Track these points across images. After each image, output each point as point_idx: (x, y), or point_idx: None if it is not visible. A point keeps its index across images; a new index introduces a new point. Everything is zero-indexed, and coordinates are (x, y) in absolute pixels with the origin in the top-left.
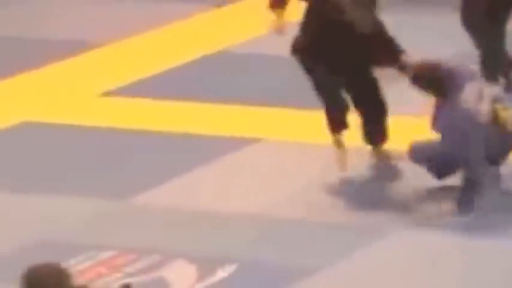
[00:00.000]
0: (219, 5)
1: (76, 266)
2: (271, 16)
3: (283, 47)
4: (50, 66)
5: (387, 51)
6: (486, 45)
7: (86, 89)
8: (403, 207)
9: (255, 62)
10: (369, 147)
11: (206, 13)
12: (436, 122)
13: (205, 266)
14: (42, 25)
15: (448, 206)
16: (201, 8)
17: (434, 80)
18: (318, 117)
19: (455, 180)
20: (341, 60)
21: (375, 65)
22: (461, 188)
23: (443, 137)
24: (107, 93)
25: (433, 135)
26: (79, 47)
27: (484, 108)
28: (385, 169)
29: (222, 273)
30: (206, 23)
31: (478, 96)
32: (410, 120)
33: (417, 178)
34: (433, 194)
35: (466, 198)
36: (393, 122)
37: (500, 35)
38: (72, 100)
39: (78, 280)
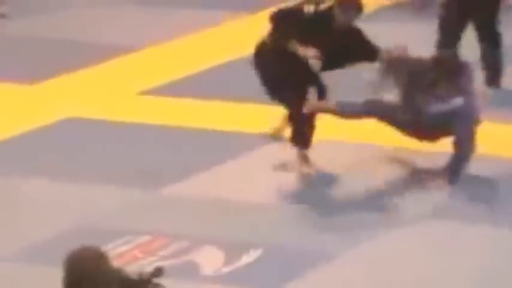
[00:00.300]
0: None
1: (114, 250)
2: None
3: None
4: (92, 67)
5: (365, 49)
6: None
7: (125, 88)
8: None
9: None
10: None
11: (236, 20)
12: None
13: (232, 251)
14: (86, 30)
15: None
16: (231, 15)
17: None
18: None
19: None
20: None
21: (353, 62)
22: (451, 160)
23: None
24: (144, 92)
25: None
26: (119, 50)
27: None
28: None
29: (247, 258)
30: (235, 29)
31: None
32: None
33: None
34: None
35: (455, 169)
36: None
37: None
38: (112, 98)
39: (115, 263)
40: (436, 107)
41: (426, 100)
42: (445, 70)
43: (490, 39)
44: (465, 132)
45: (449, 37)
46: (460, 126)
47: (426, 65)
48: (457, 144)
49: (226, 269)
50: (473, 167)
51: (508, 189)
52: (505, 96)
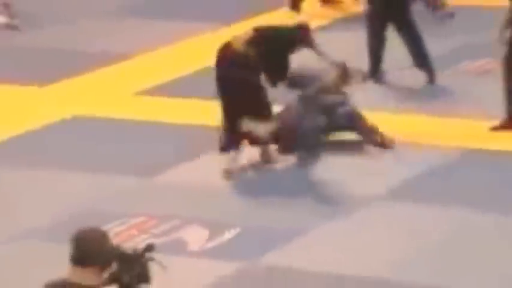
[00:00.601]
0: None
1: (112, 230)
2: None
3: None
4: (93, 72)
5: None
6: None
7: (123, 89)
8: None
9: None
10: None
11: (216, 31)
12: None
13: (215, 229)
14: (86, 40)
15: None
16: (212, 27)
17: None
18: None
19: None
20: None
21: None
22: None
23: None
24: (140, 93)
25: None
26: (116, 57)
27: None
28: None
29: (228, 235)
30: (216, 38)
31: None
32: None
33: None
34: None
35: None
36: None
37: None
38: (111, 98)
39: (114, 241)
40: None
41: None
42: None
43: (409, 43)
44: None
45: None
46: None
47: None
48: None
49: (210, 245)
50: (418, 155)
51: (449, 173)
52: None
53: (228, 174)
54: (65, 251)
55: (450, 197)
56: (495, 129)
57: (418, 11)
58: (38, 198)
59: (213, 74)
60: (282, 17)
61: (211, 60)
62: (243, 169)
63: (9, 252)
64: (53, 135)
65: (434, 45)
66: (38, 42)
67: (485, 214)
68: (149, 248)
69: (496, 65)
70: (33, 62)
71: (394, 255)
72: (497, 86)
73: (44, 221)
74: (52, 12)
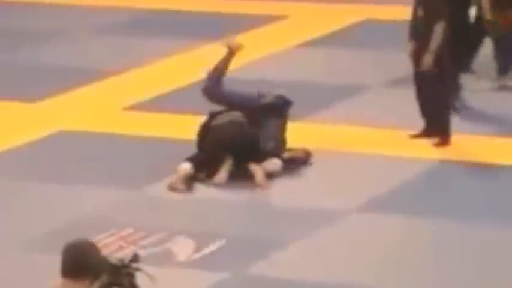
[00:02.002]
0: None
1: (101, 242)
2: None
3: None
4: (82, 88)
5: None
6: None
7: (111, 104)
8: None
9: (240, 84)
10: None
11: (201, 47)
12: None
13: (201, 240)
14: (75, 57)
15: None
16: (198, 44)
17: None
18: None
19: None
20: None
21: None
22: None
23: None
24: (127, 108)
25: None
26: (104, 73)
27: None
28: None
29: (214, 246)
30: (202, 54)
31: None
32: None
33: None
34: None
35: None
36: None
37: None
38: (99, 113)
39: (103, 252)
40: None
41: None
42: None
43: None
44: None
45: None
46: None
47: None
48: None
49: (196, 256)
50: (388, 167)
51: (421, 184)
52: None
53: (173, 188)
54: (55, 263)
55: (426, 208)
56: (415, 136)
57: None
58: (27, 212)
59: (200, 91)
60: (268, 34)
61: (198, 76)
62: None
63: None
64: (41, 150)
65: None
66: (26, 59)
67: (461, 224)
68: (135, 258)
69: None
70: (21, 78)
71: (376, 264)
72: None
73: (33, 234)
74: (40, 29)
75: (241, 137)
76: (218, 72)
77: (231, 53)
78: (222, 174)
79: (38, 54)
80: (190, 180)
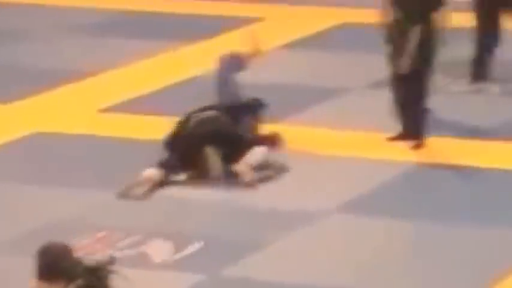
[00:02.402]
0: None
1: (77, 244)
2: None
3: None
4: (56, 89)
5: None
6: None
7: (87, 106)
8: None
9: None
10: None
11: (178, 49)
12: None
13: (178, 242)
14: (49, 58)
15: None
16: (176, 44)
17: None
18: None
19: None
20: None
21: None
22: None
23: None
24: (103, 110)
25: None
26: (79, 74)
27: None
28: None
29: (191, 248)
30: (178, 56)
31: None
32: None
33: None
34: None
35: None
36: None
37: None
38: (75, 115)
39: (78, 255)
40: None
41: None
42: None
43: None
44: None
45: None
46: None
47: None
48: None
49: (174, 257)
50: (366, 169)
51: (399, 186)
52: None
53: (124, 195)
54: (29, 265)
55: (405, 209)
56: (391, 139)
57: None
58: (1, 213)
59: (176, 92)
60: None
61: (174, 78)
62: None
63: None
64: (16, 152)
65: None
66: (2, 60)
67: (442, 225)
68: (111, 260)
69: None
70: None
71: (355, 266)
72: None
73: (7, 236)
74: (15, 30)
75: (224, 127)
76: (239, 64)
77: (254, 52)
78: (216, 165)
79: (11, 54)
80: (152, 186)
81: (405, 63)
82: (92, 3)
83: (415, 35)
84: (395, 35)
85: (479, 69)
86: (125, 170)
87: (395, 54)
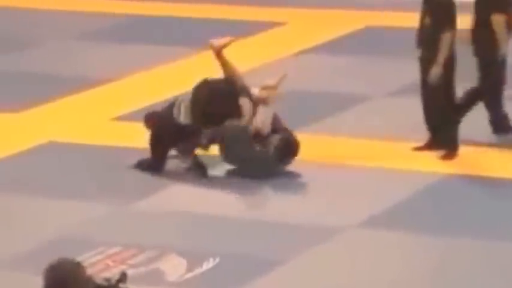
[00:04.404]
0: None
1: (88, 260)
2: None
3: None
4: (69, 97)
5: None
6: None
7: (100, 114)
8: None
9: None
10: None
11: (192, 55)
12: None
13: (193, 259)
14: (62, 64)
15: None
16: (189, 51)
17: None
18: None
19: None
20: None
21: None
22: None
23: None
24: (117, 118)
25: None
26: (92, 82)
27: None
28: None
29: (207, 265)
30: (192, 63)
31: None
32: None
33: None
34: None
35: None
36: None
37: None
38: (88, 123)
39: (89, 272)
40: None
41: None
42: None
43: None
44: None
45: None
46: None
47: None
48: None
49: (188, 275)
50: (390, 181)
51: (423, 199)
52: None
53: None
54: (37, 283)
55: (427, 224)
56: (418, 149)
57: None
58: (12, 226)
59: None
60: (268, 41)
61: (188, 86)
62: None
63: None
64: (29, 161)
65: None
66: (14, 67)
67: (473, 241)
68: (123, 278)
69: None
70: (9, 87)
71: (379, 285)
72: None
73: (18, 250)
74: (28, 36)
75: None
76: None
77: (216, 53)
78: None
79: (24, 62)
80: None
81: (436, 72)
82: (104, 8)
83: (446, 42)
84: (427, 40)
85: None
86: (139, 182)
87: (427, 59)
